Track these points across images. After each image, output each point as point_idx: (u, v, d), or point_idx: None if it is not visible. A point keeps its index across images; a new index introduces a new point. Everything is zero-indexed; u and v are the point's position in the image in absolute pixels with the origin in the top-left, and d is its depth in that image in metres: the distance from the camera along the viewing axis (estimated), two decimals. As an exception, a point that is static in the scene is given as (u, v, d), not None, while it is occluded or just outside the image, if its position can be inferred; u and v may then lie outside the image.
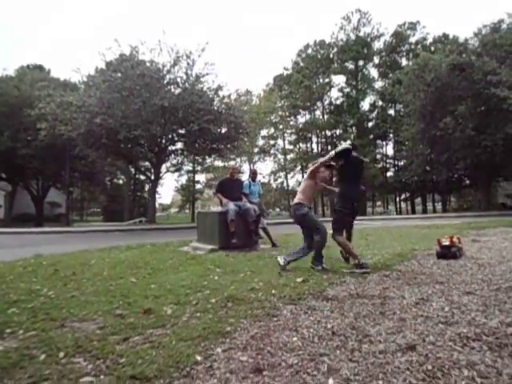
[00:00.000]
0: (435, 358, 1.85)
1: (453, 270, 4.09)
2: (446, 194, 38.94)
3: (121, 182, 44.45)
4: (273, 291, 3.33)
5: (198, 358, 1.94)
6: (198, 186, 43.93)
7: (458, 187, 36.68)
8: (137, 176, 40.29)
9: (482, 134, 24.05)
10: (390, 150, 43.02)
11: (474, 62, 24.77)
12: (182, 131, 21.80)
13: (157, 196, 30.92)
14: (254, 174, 7.98)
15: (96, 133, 18.84)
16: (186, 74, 20.92)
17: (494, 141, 23.34)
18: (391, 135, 40.87)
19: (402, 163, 39.50)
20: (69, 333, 2.39)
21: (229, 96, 22.34)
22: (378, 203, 52.64)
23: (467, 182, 34.83)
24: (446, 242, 5.00)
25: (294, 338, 2.19)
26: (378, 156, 42.50)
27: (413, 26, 40.25)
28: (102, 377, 1.77)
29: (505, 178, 30.59)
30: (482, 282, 3.50)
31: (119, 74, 19.77)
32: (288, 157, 44.01)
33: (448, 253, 4.87)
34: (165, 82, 20.77)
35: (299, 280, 3.74)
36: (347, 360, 1.86)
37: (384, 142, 42.65)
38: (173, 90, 21.05)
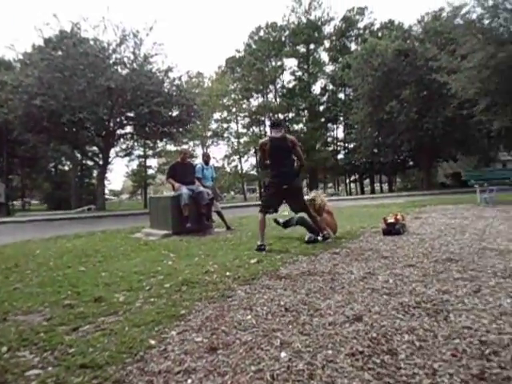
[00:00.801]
0: (380, 326, 1.98)
1: (397, 245, 4.35)
2: (392, 174, 41.02)
3: (66, 168, 42.03)
4: (227, 273, 3.36)
5: (152, 342, 1.93)
6: (150, 171, 42.74)
7: (402, 168, 38.73)
8: (84, 161, 38.27)
9: (424, 117, 25.43)
10: (340, 133, 44.29)
11: (417, 48, 25.92)
12: (131, 114, 20.99)
13: (106, 182, 29.68)
14: (207, 158, 7.88)
15: (36, 115, 17.58)
16: (134, 53, 20.02)
17: (435, 124, 24.78)
18: (341, 118, 41.98)
19: (351, 146, 40.87)
20: (12, 326, 2.27)
21: (179, 78, 21.75)
22: (330, 185, 54.41)
23: (411, 163, 36.87)
24: (391, 220, 5.30)
25: (248, 317, 2.23)
26: (330, 139, 43.65)
27: (361, 11, 41.17)
28: (49, 368, 1.71)
29: (444, 158, 32.73)
30: (422, 255, 3.76)
31: (60, 52, 18.48)
32: (241, 140, 43.87)
33: (393, 229, 5.17)
34: (111, 61, 19.76)
35: (253, 261, 3.81)
36: (299, 333, 1.93)
37: (335, 126, 43.78)
38: (120, 70, 20.10)
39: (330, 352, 1.71)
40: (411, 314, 2.15)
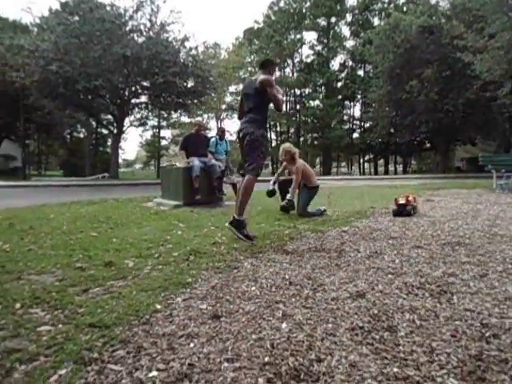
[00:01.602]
0: (382, 303, 2.00)
1: (406, 227, 4.32)
2: (407, 156, 40.33)
3: (81, 135, 42.40)
4: (235, 245, 3.41)
5: (158, 306, 1.99)
6: (164, 142, 42.84)
7: (418, 150, 38.01)
8: (99, 130, 38.55)
9: (445, 98, 24.67)
10: (357, 111, 43.43)
11: (442, 25, 24.87)
12: (146, 83, 20.88)
13: (120, 151, 29.89)
14: (222, 132, 7.84)
15: (52, 81, 17.63)
16: (150, 21, 19.71)
17: (456, 106, 24.05)
18: (359, 96, 41.06)
19: (367, 125, 40.11)
20: (26, 285, 2.36)
21: (196, 48, 21.39)
22: (343, 164, 53.89)
23: (428, 145, 36.10)
24: (402, 201, 5.25)
25: (253, 288, 2.27)
26: (346, 117, 42.87)
27: (386, -17, 39.44)
28: (60, 326, 1.78)
29: (462, 142, 31.96)
30: (431, 237, 3.74)
31: (76, 18, 18.28)
32: (256, 115, 43.31)
33: (403, 211, 5.13)
34: (127, 28, 19.51)
35: (260, 235, 3.84)
36: (301, 306, 1.97)
37: (352, 103, 42.91)
38: (136, 38, 19.87)
39: (330, 326, 1.74)
40: (414, 293, 2.16)
